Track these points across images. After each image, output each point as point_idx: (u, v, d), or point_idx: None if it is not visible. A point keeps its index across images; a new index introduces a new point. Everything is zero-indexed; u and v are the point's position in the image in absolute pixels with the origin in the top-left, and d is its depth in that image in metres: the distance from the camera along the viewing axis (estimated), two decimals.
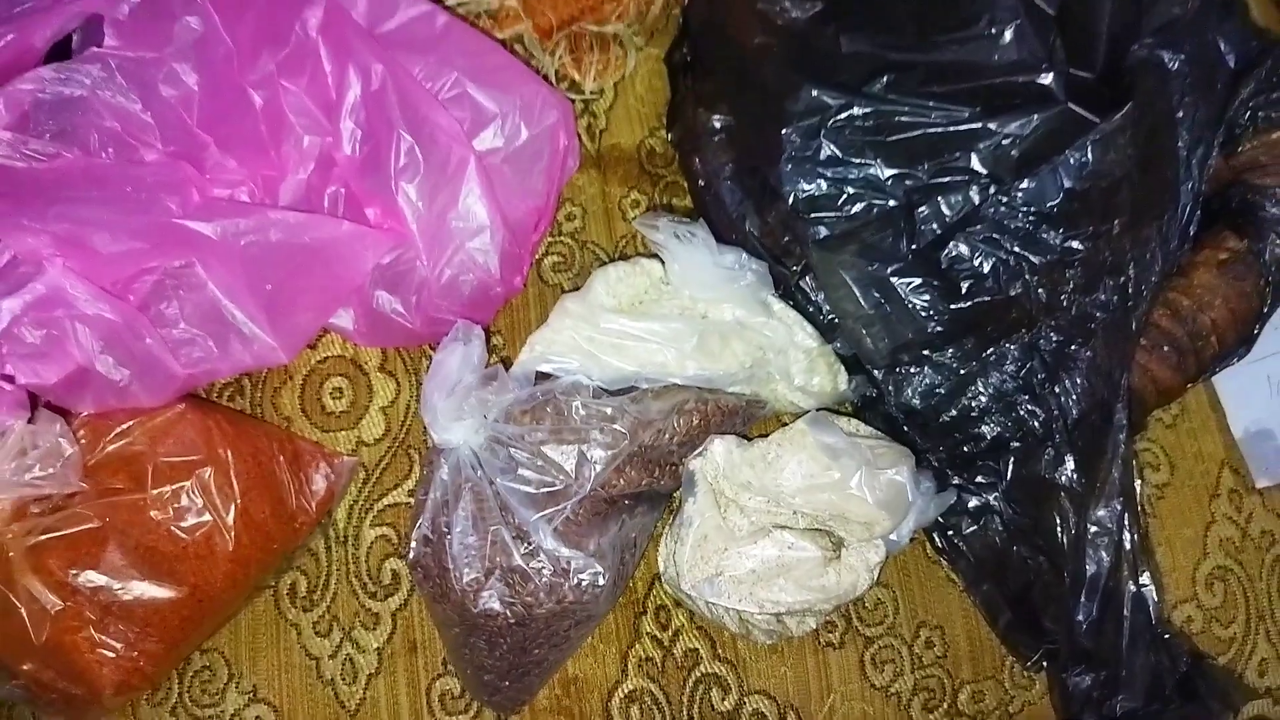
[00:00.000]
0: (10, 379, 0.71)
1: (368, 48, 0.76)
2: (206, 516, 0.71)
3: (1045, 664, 0.81)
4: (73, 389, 0.73)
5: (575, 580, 0.70)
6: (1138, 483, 0.82)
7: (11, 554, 0.69)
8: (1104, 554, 0.75)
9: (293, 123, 0.77)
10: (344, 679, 0.78)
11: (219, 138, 0.76)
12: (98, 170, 0.72)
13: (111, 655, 0.70)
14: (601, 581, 0.70)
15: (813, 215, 0.79)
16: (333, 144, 0.77)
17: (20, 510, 0.70)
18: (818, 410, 0.81)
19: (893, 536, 0.76)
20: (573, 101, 0.93)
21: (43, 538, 0.69)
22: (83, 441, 0.73)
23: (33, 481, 0.69)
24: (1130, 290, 0.76)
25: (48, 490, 0.69)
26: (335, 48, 0.76)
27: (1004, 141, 0.76)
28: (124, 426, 0.73)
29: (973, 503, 0.81)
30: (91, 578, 0.69)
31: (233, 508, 0.72)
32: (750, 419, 0.81)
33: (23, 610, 0.68)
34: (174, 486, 0.71)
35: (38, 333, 0.71)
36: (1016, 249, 0.75)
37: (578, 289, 0.83)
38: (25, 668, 0.70)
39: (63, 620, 0.68)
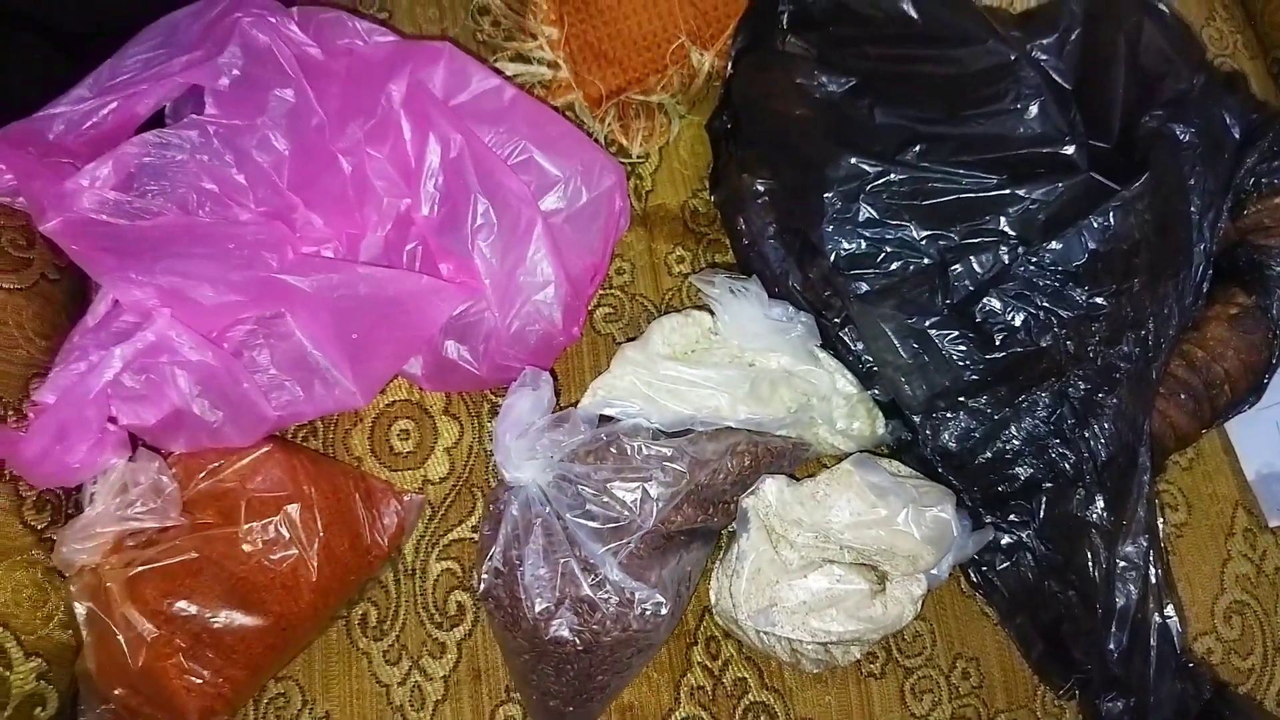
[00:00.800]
0: (114, 420, 0.76)
1: (446, 118, 0.82)
2: (293, 550, 0.76)
3: (1077, 693, 0.85)
4: (168, 430, 0.78)
5: (639, 610, 0.75)
6: (1161, 521, 0.87)
7: (110, 585, 0.74)
8: (1132, 587, 0.80)
9: (375, 186, 0.83)
10: (412, 705, 0.82)
11: (307, 199, 0.83)
12: (200, 228, 0.78)
13: (199, 681, 0.74)
14: (664, 611, 0.75)
15: (853, 272, 0.85)
16: (412, 205, 0.83)
17: (118, 544, 0.75)
18: (860, 452, 0.86)
19: (933, 571, 0.81)
20: (621, 165, 1.00)
21: (141, 569, 0.74)
22: (176, 479, 0.78)
23: (135, 515, 0.74)
24: (1150, 342, 0.82)
25: (149, 523, 0.74)
26: (416, 119, 0.83)
27: (1031, 206, 0.83)
28: (214, 465, 0.79)
29: (1005, 540, 0.85)
30: (185, 607, 0.74)
31: (316, 541, 0.77)
32: (796, 461, 0.86)
33: (120, 637, 0.73)
34: (264, 521, 0.76)
35: (139, 378, 0.76)
36: (1045, 304, 0.81)
37: (629, 338, 0.89)
38: (117, 692, 0.74)
39: (156, 647, 0.73)
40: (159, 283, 0.76)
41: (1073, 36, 0.91)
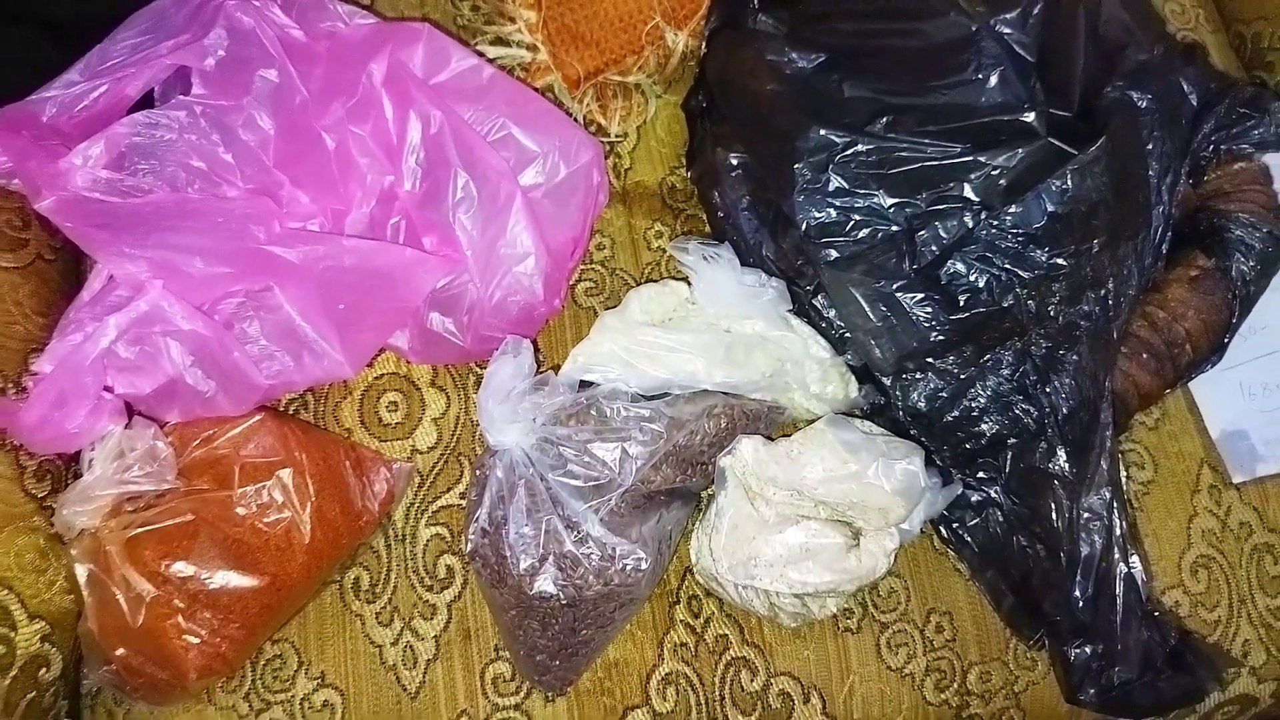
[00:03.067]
0: (110, 389, 0.79)
1: (426, 96, 0.85)
2: (286, 513, 0.79)
3: (1046, 643, 0.88)
4: (163, 399, 0.81)
5: (620, 564, 0.77)
6: (1124, 477, 0.90)
7: (109, 547, 0.76)
8: (1096, 537, 0.83)
9: (359, 162, 0.86)
10: (405, 664, 0.85)
11: (293, 176, 0.85)
12: (190, 204, 0.81)
13: (197, 640, 0.76)
14: (644, 566, 0.78)
15: (823, 240, 0.88)
16: (395, 181, 0.86)
17: (117, 508, 0.78)
18: (834, 414, 0.89)
19: (905, 525, 0.84)
20: (600, 143, 1.03)
21: (139, 531, 0.76)
22: (172, 447, 0.80)
23: (132, 480, 0.76)
24: (1110, 302, 0.85)
25: (145, 488, 0.77)
26: (397, 96, 0.85)
27: (993, 172, 0.85)
28: (208, 433, 0.81)
29: (975, 497, 0.88)
30: (182, 568, 0.76)
31: (309, 505, 0.80)
32: (771, 424, 0.89)
33: (120, 598, 0.75)
34: (257, 485, 0.79)
35: (134, 348, 0.79)
36: (1007, 266, 0.84)
37: (610, 309, 0.92)
38: (119, 652, 0.76)
39: (155, 607, 0.75)
40: (151, 256, 0.78)
41: (1035, 10, 0.93)
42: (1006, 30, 0.90)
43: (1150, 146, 0.88)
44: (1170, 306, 0.90)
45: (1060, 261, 0.84)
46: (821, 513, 0.83)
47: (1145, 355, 0.90)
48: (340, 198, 0.86)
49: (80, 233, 0.79)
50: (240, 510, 0.78)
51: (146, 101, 0.88)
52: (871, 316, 0.86)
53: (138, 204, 0.79)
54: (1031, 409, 0.85)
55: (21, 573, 0.76)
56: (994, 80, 0.88)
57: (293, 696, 0.83)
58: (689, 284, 0.89)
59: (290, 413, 0.91)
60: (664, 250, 1.00)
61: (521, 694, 0.85)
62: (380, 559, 0.87)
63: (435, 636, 0.86)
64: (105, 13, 0.89)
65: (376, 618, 0.86)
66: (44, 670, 0.77)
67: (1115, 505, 0.84)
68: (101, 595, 0.75)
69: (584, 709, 0.85)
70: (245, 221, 0.79)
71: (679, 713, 0.86)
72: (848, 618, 0.89)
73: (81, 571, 0.76)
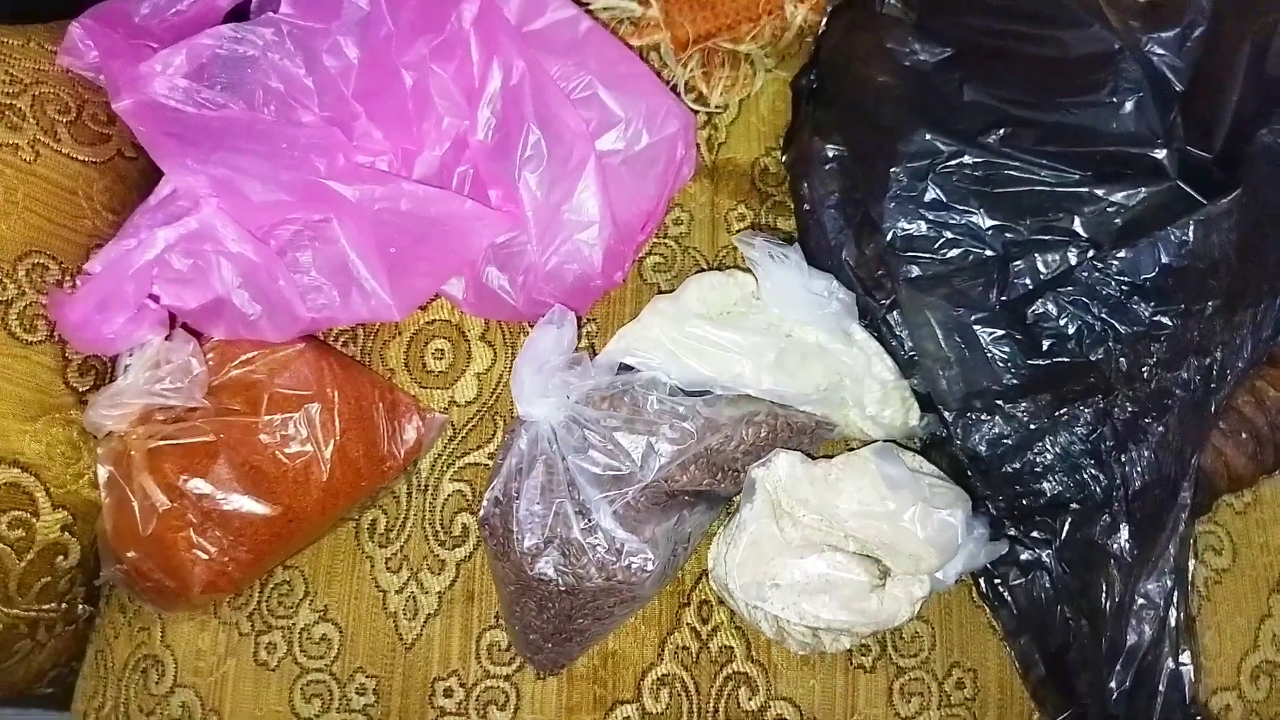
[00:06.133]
0: (156, 299, 0.79)
1: (513, 44, 0.82)
2: (308, 447, 0.79)
3: None
4: (208, 316, 0.81)
5: (626, 562, 0.75)
6: (1193, 563, 0.82)
7: (134, 453, 0.78)
8: (1146, 627, 0.76)
9: (436, 104, 0.83)
10: (405, 614, 0.84)
11: (369, 109, 0.83)
12: (259, 125, 0.80)
13: (205, 557, 0.77)
14: (650, 567, 0.75)
15: (908, 254, 0.82)
16: (469, 128, 0.83)
17: (147, 416, 0.79)
18: (885, 441, 0.83)
19: (939, 575, 0.78)
20: (697, 113, 0.98)
21: (162, 443, 0.77)
22: (210, 363, 0.81)
23: (162, 392, 0.77)
24: (1214, 372, 0.76)
25: (173, 402, 0.77)
26: (484, 40, 0.82)
27: (1108, 209, 0.78)
28: (248, 355, 0.81)
29: (1024, 555, 0.82)
30: (199, 485, 0.77)
31: (332, 443, 0.79)
32: (818, 439, 0.84)
33: (136, 504, 0.77)
34: (284, 415, 0.79)
35: (186, 261, 0.79)
36: (1104, 315, 0.77)
37: (674, 290, 0.87)
38: (130, 554, 0.78)
39: (167, 519, 0.76)
40: (213, 173, 0.78)
41: (1195, 33, 0.83)
42: (1157, 52, 0.81)
43: None
44: None
45: (1165, 320, 0.76)
46: (850, 545, 0.78)
47: (1244, 435, 0.81)
48: (413, 137, 0.84)
49: (151, 138, 0.79)
50: (263, 438, 0.78)
51: (240, 13, 0.87)
52: (944, 346, 0.80)
53: (209, 117, 0.78)
54: (1101, 476, 0.77)
55: (51, 462, 0.78)
56: (1129, 106, 0.79)
57: (294, 625, 0.84)
58: (757, 279, 0.84)
59: (339, 344, 0.91)
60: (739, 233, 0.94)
61: (514, 666, 0.84)
62: (399, 505, 0.87)
63: (439, 593, 0.85)
64: None
65: (386, 563, 0.85)
66: (61, 558, 0.79)
67: (1175, 595, 0.76)
68: (118, 498, 0.77)
69: (573, 694, 0.83)
70: (309, 151, 0.78)
71: (669, 716, 0.83)
72: (863, 654, 0.84)
73: (103, 472, 0.77)
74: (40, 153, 0.80)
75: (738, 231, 0.94)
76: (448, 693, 0.83)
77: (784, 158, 0.97)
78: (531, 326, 0.90)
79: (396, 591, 0.85)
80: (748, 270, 0.85)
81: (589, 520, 0.75)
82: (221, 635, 0.84)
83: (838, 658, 0.84)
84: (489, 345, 0.91)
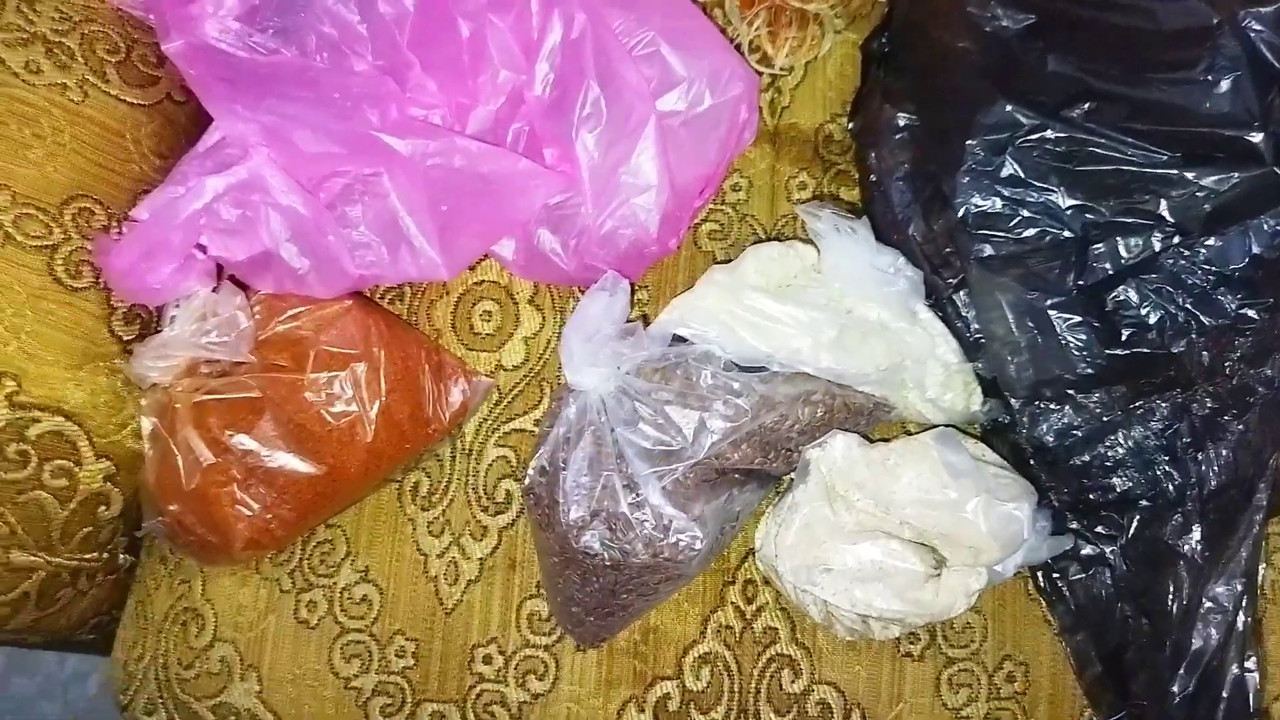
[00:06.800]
0: (203, 249, 0.78)
1: None
2: (354, 407, 0.77)
3: None
4: (256, 269, 0.79)
5: (673, 539, 0.72)
6: (1263, 566, 0.78)
7: (178, 406, 0.77)
8: (1213, 631, 0.73)
9: (493, 56, 0.80)
10: (446, 579, 0.83)
11: (424, 60, 0.80)
12: (311, 73, 0.77)
13: (248, 513, 0.76)
14: (698, 546, 0.73)
15: (980, 232, 0.78)
16: (526, 82, 0.80)
17: (192, 368, 0.78)
18: (946, 426, 0.80)
19: (998, 568, 0.75)
20: (760, 75, 0.94)
21: (207, 398, 0.76)
22: (257, 317, 0.79)
23: (208, 345, 0.76)
24: None
25: (219, 356, 0.76)
26: None
27: (1198, 193, 0.73)
28: (295, 311, 0.80)
29: (1086, 550, 0.78)
30: (243, 441, 0.76)
31: (377, 403, 0.78)
32: (875, 421, 0.81)
33: (179, 458, 0.76)
34: (330, 374, 0.77)
35: (234, 212, 0.78)
36: (1188, 306, 0.73)
37: (729, 259, 0.84)
38: (172, 508, 0.77)
39: (211, 474, 0.75)
40: (263, 120, 0.76)
41: None
42: (1256, 28, 0.75)
43: None
44: None
45: (1252, 314, 0.72)
46: (906, 533, 0.75)
47: None
48: (468, 91, 0.81)
49: (201, 82, 0.77)
50: (309, 396, 0.77)
51: None
52: (1015, 330, 0.77)
53: (260, 62, 0.75)
54: (1175, 474, 0.74)
55: (95, 411, 0.77)
56: (1225, 85, 0.74)
57: (334, 584, 0.83)
58: (818, 250, 0.81)
59: (386, 302, 0.89)
60: (803, 203, 0.91)
61: (553, 637, 0.82)
62: (443, 468, 0.85)
63: (481, 559, 0.83)
64: None
65: (429, 527, 0.84)
66: (103, 508, 0.79)
67: (1245, 599, 0.73)
68: (162, 451, 0.76)
69: (613, 667, 0.82)
70: (361, 102, 0.75)
71: (710, 695, 0.82)
72: (911, 642, 0.82)
73: (146, 425, 0.76)
74: (89, 94, 0.79)
75: (800, 201, 0.90)
76: (487, 660, 0.82)
77: (850, 125, 0.93)
78: (582, 292, 0.87)
79: (438, 556, 0.84)
80: (808, 242, 0.82)
81: (637, 495, 0.73)
82: (262, 591, 0.84)
83: (885, 645, 0.81)
84: (538, 309, 0.89)
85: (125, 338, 0.80)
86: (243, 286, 0.80)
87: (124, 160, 0.80)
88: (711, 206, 0.91)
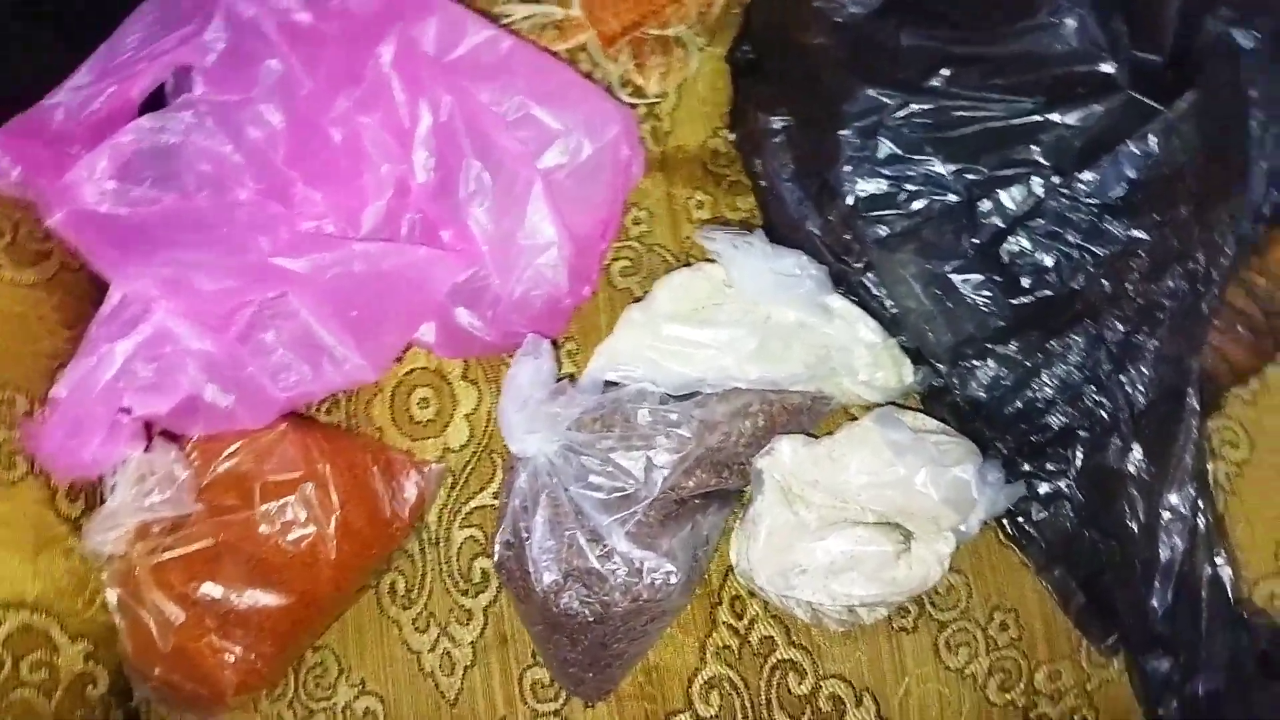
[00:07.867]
0: (128, 411, 0.78)
1: (437, 78, 0.80)
2: (310, 528, 0.77)
3: (1120, 648, 0.81)
4: (184, 416, 0.79)
5: (649, 579, 0.74)
6: (1211, 464, 0.81)
7: (138, 571, 0.76)
8: (1178, 539, 0.75)
9: (370, 154, 0.81)
10: (443, 671, 0.83)
11: (304, 173, 0.81)
12: (195, 213, 0.78)
13: (231, 659, 0.76)
14: (674, 580, 0.74)
15: (872, 214, 0.80)
16: (407, 171, 0.81)
17: (144, 530, 0.78)
18: (886, 405, 0.82)
19: (961, 527, 0.77)
20: (636, 106, 0.96)
21: (164, 556, 0.76)
22: (195, 464, 0.79)
23: (151, 506, 0.76)
24: (1200, 275, 0.75)
25: (165, 514, 0.76)
26: (407, 81, 0.80)
27: (1065, 133, 0.76)
28: (232, 448, 0.80)
29: (1043, 489, 0.81)
30: (209, 590, 0.76)
31: (333, 518, 0.78)
32: (817, 415, 0.83)
33: (151, 622, 0.75)
34: (279, 502, 0.77)
35: (150, 368, 0.77)
36: (1079, 242, 0.75)
37: (647, 292, 0.86)
38: (156, 672, 0.77)
39: (186, 630, 0.75)
40: (158, 273, 0.76)
41: None
42: None
43: (1254, 94, 0.75)
44: (1272, 272, 0.80)
45: (1141, 234, 0.75)
46: (869, 517, 0.77)
47: (1240, 328, 0.80)
48: (353, 193, 0.82)
49: (91, 249, 0.77)
50: (263, 529, 0.77)
51: (156, 102, 0.84)
52: (925, 300, 0.79)
53: (144, 215, 0.76)
54: (1105, 400, 0.76)
55: (59, 596, 0.77)
56: (1070, 23, 0.78)
57: (335, 704, 0.84)
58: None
59: (321, 413, 0.89)
60: (705, 222, 0.93)
61: (560, 700, 0.83)
62: (415, 563, 0.86)
63: (472, 642, 0.84)
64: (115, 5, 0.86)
65: (413, 624, 0.84)
66: (91, 687, 0.78)
67: (1200, 502, 0.75)
68: (133, 619, 0.76)
69: (625, 715, 0.83)
70: (250, 231, 0.76)
71: (723, 717, 0.83)
72: (902, 616, 0.84)
73: (112, 596, 0.76)
74: None
75: (699, 222, 0.92)
76: None
77: (732, 136, 0.96)
78: (510, 358, 0.89)
79: (429, 650, 0.84)
80: (714, 261, 0.84)
81: (603, 546, 0.74)
82: None
83: (878, 625, 0.83)
84: (472, 384, 0.89)
85: (73, 515, 0.80)
86: (176, 436, 0.80)
87: (32, 340, 0.80)
88: (618, 244, 0.92)
